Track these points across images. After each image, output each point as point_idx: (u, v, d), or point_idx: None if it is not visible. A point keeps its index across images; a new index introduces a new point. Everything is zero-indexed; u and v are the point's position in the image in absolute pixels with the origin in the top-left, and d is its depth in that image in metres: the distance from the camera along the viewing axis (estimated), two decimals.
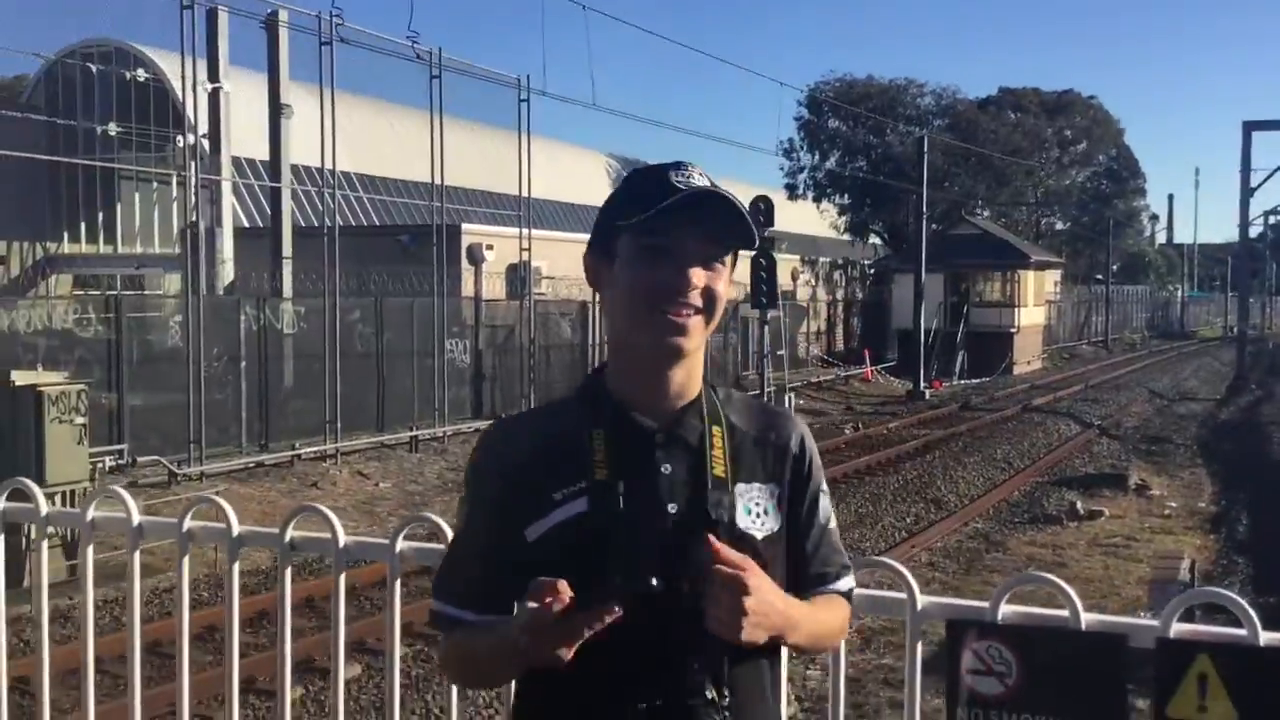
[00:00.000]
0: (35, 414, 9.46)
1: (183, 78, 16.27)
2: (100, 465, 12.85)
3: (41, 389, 9.62)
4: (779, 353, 23.77)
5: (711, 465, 1.70)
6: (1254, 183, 36.94)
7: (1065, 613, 1.85)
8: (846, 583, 1.83)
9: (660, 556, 1.59)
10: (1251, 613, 1.74)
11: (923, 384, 30.32)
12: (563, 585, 1.48)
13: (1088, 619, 1.82)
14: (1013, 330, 39.04)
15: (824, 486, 1.83)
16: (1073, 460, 18.61)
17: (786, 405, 22.71)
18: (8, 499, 2.98)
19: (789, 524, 1.75)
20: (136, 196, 31.17)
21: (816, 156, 50.56)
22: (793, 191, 48.93)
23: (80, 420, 9.80)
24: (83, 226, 29.75)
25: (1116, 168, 64.94)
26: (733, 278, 1.73)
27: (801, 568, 1.77)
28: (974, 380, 34.65)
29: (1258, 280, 74.14)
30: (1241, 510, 14.42)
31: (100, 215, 30.62)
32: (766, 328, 21.90)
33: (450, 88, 19.91)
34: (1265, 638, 1.69)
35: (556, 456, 1.69)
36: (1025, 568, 10.94)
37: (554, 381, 22.01)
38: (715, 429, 1.73)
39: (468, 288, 22.64)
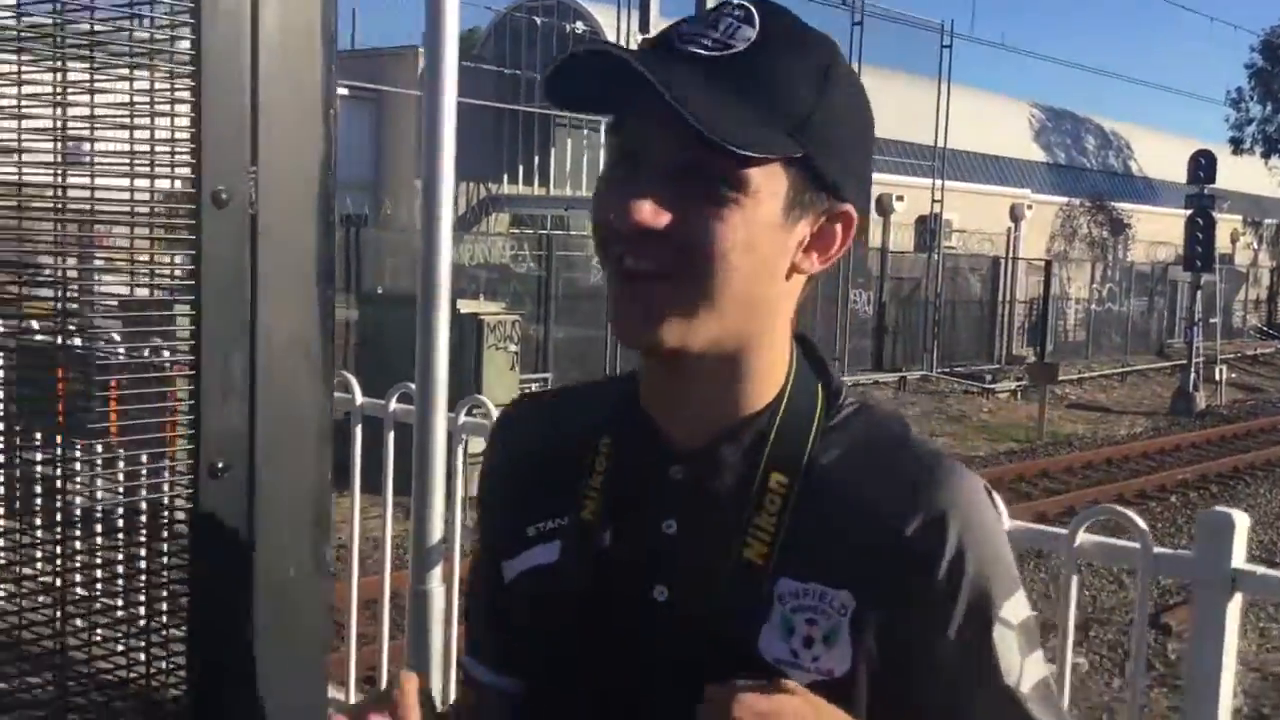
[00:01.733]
0: (476, 340, 10.41)
1: (616, 31, 17.12)
2: (526, 390, 13.99)
3: (481, 317, 10.57)
4: (1211, 320, 21.91)
5: (746, 538, 1.02)
6: None
7: None
8: None
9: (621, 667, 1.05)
10: None
11: None
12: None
13: None
14: None
15: (1009, 616, 1.02)
16: None
17: (1217, 378, 20.96)
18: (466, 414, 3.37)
19: (882, 669, 1.01)
20: (569, 142, 33.15)
21: (1269, 107, 45.76)
22: (1238, 145, 44.60)
23: (513, 348, 10.71)
24: (520, 169, 32.06)
25: None
26: (783, 210, 0.99)
27: None
28: None
29: None
30: None
31: (536, 159, 32.85)
32: (1200, 292, 20.25)
33: (870, 33, 19.70)
34: None
35: (553, 467, 1.11)
36: None
37: (959, 340, 21.45)
38: (777, 477, 1.03)
39: (874, 238, 22.47)
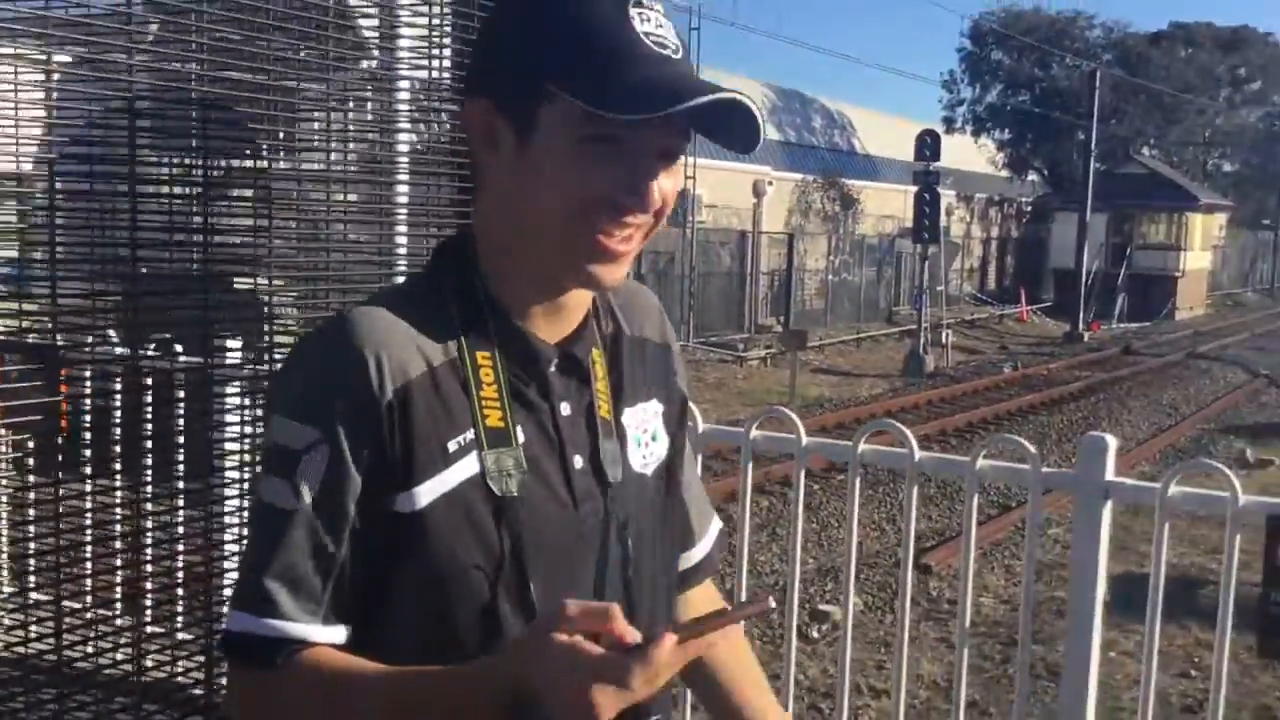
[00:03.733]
0: None
1: None
2: None
3: None
4: (938, 289, 23.65)
5: (604, 399, 1.27)
6: None
7: None
8: (717, 532, 1.49)
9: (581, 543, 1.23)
10: None
11: (1081, 326, 29.79)
12: (614, 611, 1.03)
13: None
14: (1177, 274, 37.89)
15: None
16: (1240, 408, 18.25)
17: (943, 341, 22.70)
18: None
19: (671, 446, 1.36)
20: None
21: (977, 89, 49.46)
22: (950, 125, 47.99)
23: None
24: None
25: None
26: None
27: (679, 510, 1.39)
28: (1134, 325, 33.86)
29: None
30: None
31: None
32: (926, 263, 21.83)
33: None
34: None
35: (444, 384, 1.17)
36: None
37: (711, 311, 22.29)
38: (595, 351, 1.28)
39: None
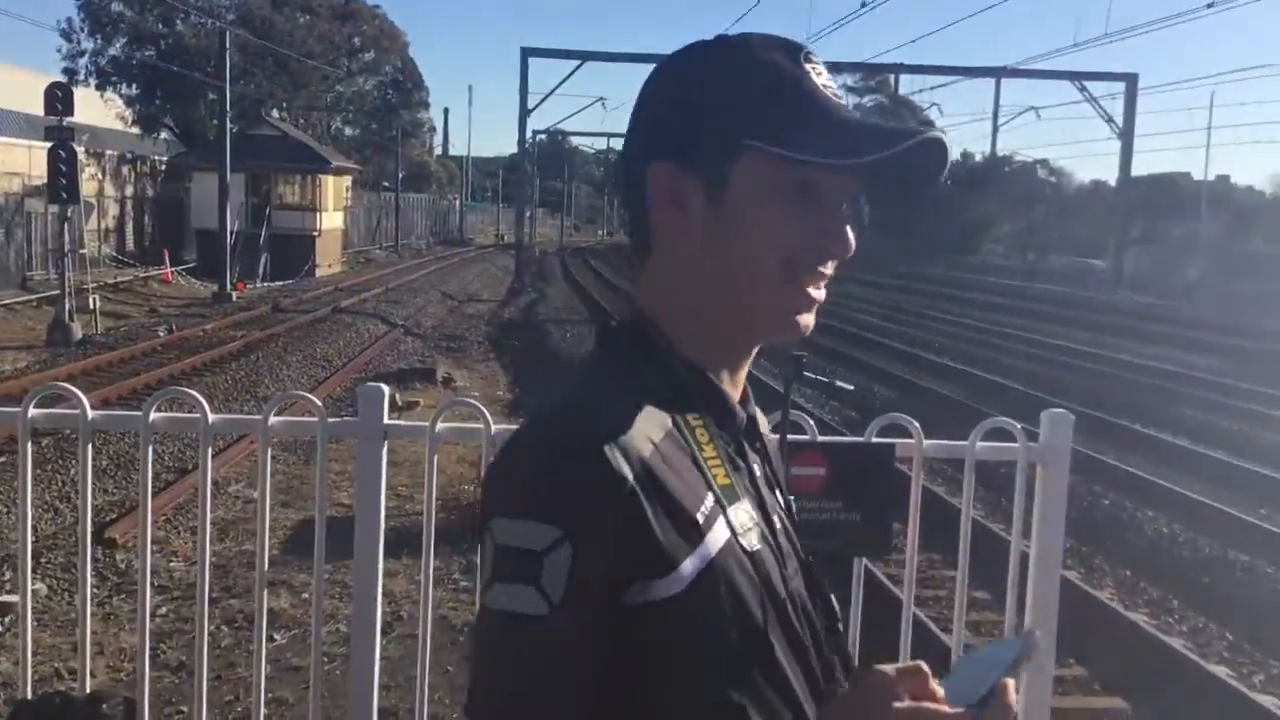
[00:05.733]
0: None
1: None
2: None
3: None
4: (81, 251, 22.34)
5: (778, 467, 1.30)
6: (530, 104, 40.90)
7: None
8: None
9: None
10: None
11: (229, 286, 30.08)
12: (926, 670, 1.07)
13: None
14: (314, 234, 39.82)
15: None
16: (384, 357, 19.84)
17: (91, 306, 21.54)
18: None
19: None
20: None
21: (99, 41, 46.96)
22: (73, 77, 45.05)
23: None
24: None
25: (401, 79, 67.74)
26: None
27: None
28: (278, 283, 34.96)
29: (527, 193, 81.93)
30: (534, 396, 16.54)
31: None
32: (67, 225, 20.51)
33: None
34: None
35: (671, 456, 1.12)
36: None
37: None
38: (763, 418, 1.31)
39: None
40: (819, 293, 1.18)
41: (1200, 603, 7.84)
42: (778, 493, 1.26)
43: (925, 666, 1.06)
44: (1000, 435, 3.13)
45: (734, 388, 1.22)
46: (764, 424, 1.32)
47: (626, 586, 1.05)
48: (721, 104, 1.14)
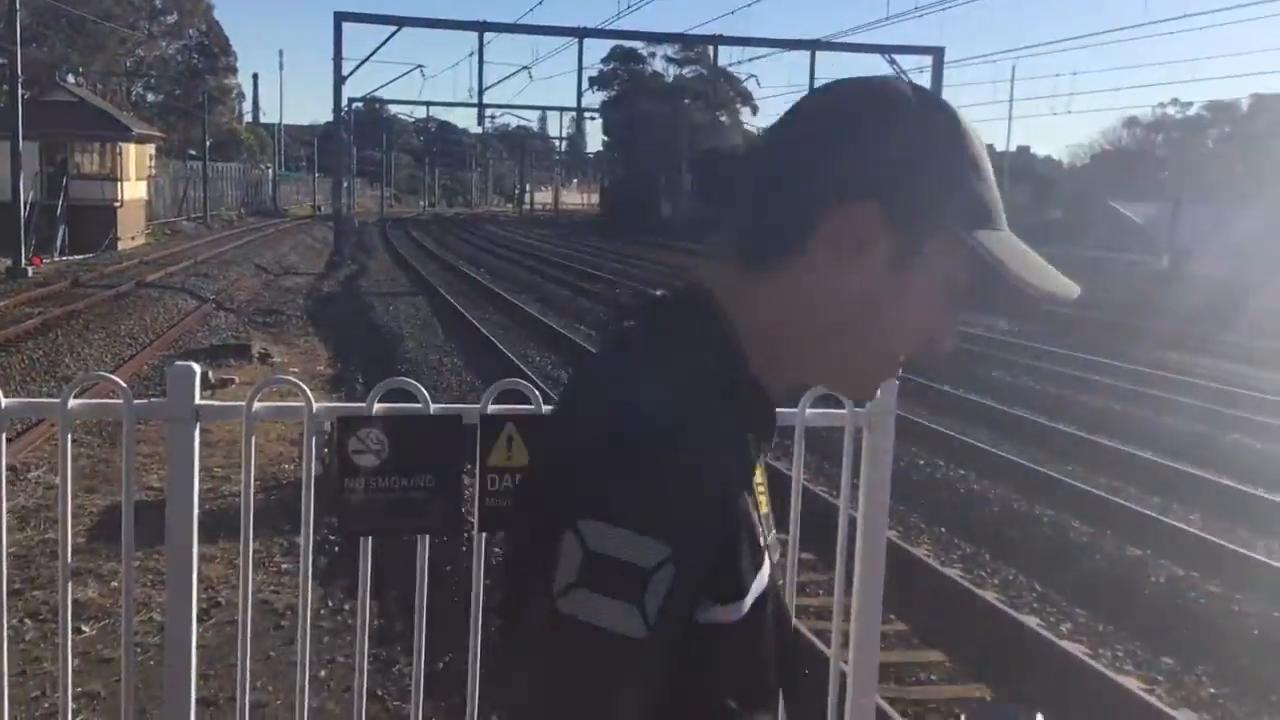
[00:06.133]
0: None
1: None
2: None
3: None
4: None
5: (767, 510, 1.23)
6: (345, 71, 39.86)
7: (419, 405, 2.56)
8: None
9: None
10: (536, 394, 2.60)
11: (24, 260, 28.44)
12: None
13: (435, 407, 2.54)
14: (116, 204, 37.97)
15: None
16: (195, 333, 19.13)
17: None
18: None
19: None
20: None
21: None
22: None
23: None
24: None
25: (207, 43, 65.26)
26: None
27: None
28: (78, 256, 33.26)
29: (344, 162, 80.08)
30: (357, 371, 16.19)
31: None
32: None
33: None
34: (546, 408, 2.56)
35: (744, 478, 1.10)
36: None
37: None
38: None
39: None
40: (890, 377, 1.20)
41: (1010, 557, 8.20)
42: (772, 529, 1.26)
43: None
44: (826, 401, 3.16)
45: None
46: None
47: (697, 607, 1.02)
48: (941, 174, 1.10)
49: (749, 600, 1.05)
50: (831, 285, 1.11)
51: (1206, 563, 7.69)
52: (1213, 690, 5.93)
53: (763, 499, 1.14)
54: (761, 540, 1.08)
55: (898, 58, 41.90)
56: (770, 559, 1.10)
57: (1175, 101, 66.44)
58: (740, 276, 1.15)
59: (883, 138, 1.10)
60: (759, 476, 1.15)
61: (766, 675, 1.11)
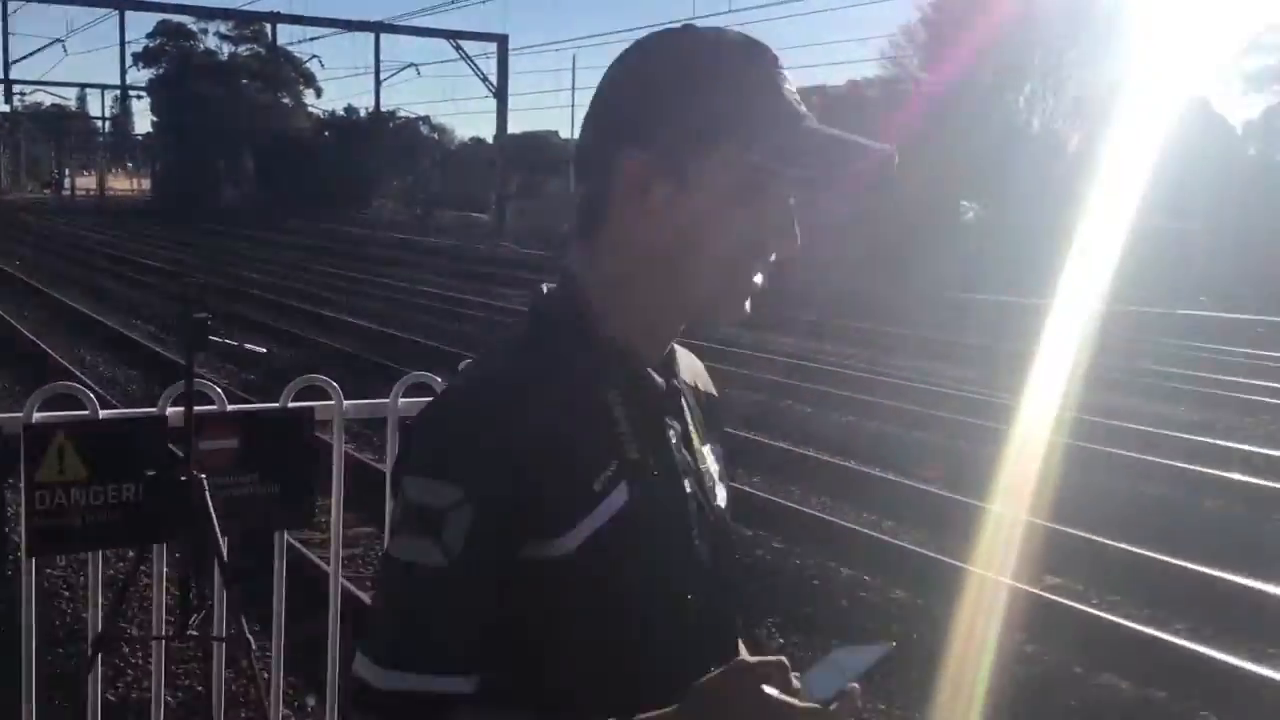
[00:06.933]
0: None
1: None
2: None
3: None
4: None
5: (693, 430, 1.35)
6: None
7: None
8: None
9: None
10: (93, 397, 2.30)
11: None
12: (786, 665, 1.14)
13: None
14: None
15: None
16: None
17: None
18: None
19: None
20: None
21: None
22: None
23: None
24: None
25: None
26: None
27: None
28: None
29: None
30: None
31: None
32: None
33: None
34: (104, 413, 2.27)
35: (578, 424, 1.21)
36: None
37: None
38: (686, 387, 1.38)
39: None
40: (761, 279, 1.26)
41: None
42: (707, 451, 1.36)
43: (786, 661, 1.13)
44: (422, 390, 3.07)
45: (658, 360, 1.31)
46: (703, 380, 1.43)
47: (522, 544, 1.16)
48: (699, 103, 1.20)
49: (578, 536, 1.17)
50: (641, 234, 1.23)
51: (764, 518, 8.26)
52: (781, 640, 6.38)
53: (629, 444, 1.22)
54: (596, 483, 1.19)
55: (463, 43, 42.11)
56: (637, 500, 1.20)
57: None
58: (584, 248, 1.28)
59: (625, 90, 1.24)
60: (624, 424, 1.23)
61: (630, 607, 1.19)
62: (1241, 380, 14.59)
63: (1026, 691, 5.47)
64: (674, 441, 1.29)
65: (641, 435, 1.25)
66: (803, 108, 1.24)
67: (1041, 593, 6.55)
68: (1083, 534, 7.56)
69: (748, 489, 8.96)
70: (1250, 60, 42.53)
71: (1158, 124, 24.57)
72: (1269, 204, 30.19)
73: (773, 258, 1.26)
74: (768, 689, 1.09)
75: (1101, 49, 32.35)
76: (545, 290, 1.30)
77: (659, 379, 1.29)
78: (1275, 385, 14.25)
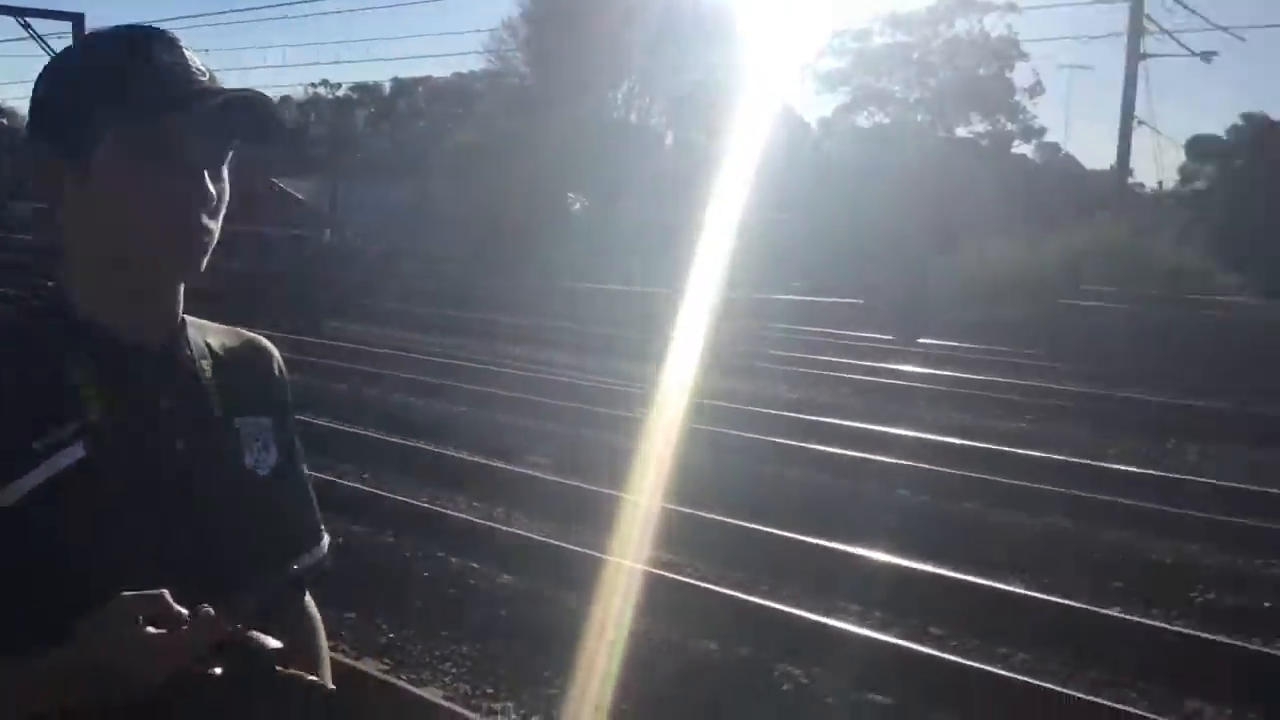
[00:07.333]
0: None
1: None
2: None
3: None
4: None
5: (209, 399, 1.44)
6: None
7: None
8: (326, 547, 1.59)
9: (178, 505, 1.34)
10: None
11: None
12: (166, 598, 1.18)
13: None
14: None
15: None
16: None
17: None
18: None
19: (285, 457, 1.51)
20: None
21: None
22: None
23: None
24: None
25: None
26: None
27: (291, 518, 1.54)
28: None
29: None
30: None
31: None
32: None
33: None
34: None
35: (24, 396, 1.30)
36: None
37: None
38: (204, 361, 1.46)
39: None
40: (204, 234, 1.33)
41: None
42: (240, 421, 1.44)
43: (167, 593, 1.17)
44: None
45: (141, 331, 1.37)
46: (255, 362, 1.52)
47: None
48: (79, 93, 1.32)
49: (17, 491, 1.23)
50: (68, 217, 1.35)
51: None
52: (391, 635, 6.18)
53: (94, 407, 1.29)
54: (40, 442, 1.25)
55: (33, 21, 38.51)
56: (88, 453, 1.27)
57: (325, 83, 68.74)
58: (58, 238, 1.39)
59: (40, 86, 1.37)
60: (87, 389, 1.30)
61: (85, 557, 1.24)
62: (831, 359, 15.81)
63: (632, 662, 5.57)
64: (165, 406, 1.37)
65: (112, 400, 1.33)
66: (186, 74, 1.33)
67: (648, 568, 6.72)
68: (687, 510, 7.85)
69: (355, 484, 8.67)
70: (823, 63, 46.06)
71: (743, 122, 26.23)
72: (838, 196, 33.05)
73: (204, 216, 1.33)
74: (152, 632, 1.14)
75: (691, 52, 34.15)
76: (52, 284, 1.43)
77: (135, 348, 1.37)
78: (856, 362, 15.55)
